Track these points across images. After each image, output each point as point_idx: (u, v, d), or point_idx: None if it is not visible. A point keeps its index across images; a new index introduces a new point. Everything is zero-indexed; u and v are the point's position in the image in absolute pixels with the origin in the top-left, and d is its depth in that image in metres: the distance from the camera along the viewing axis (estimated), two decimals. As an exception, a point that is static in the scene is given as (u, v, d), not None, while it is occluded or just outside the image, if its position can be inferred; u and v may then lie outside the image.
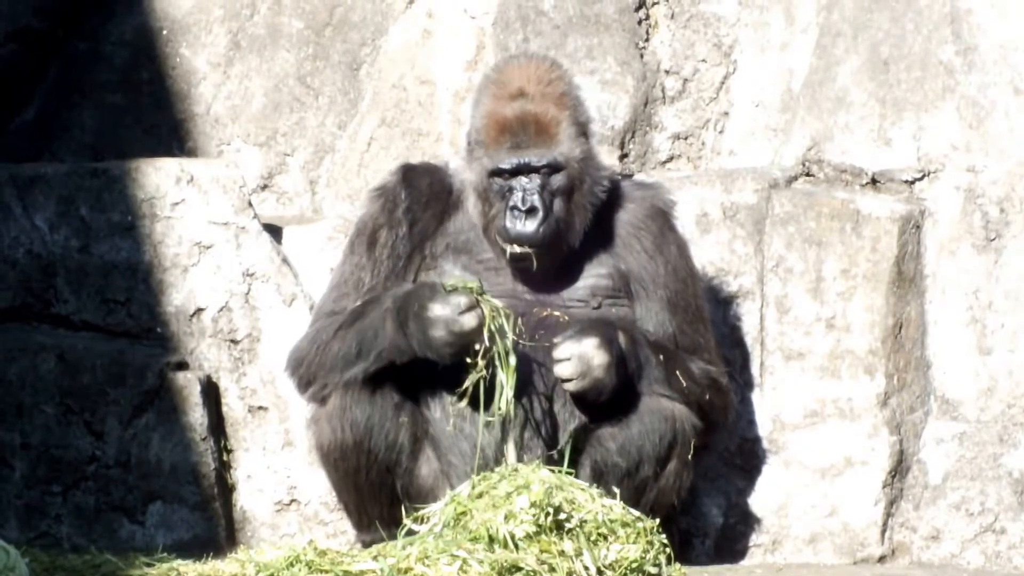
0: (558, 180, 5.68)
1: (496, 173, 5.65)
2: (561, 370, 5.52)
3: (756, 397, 6.25)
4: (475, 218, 5.73)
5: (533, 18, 6.78)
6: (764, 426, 6.24)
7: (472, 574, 5.08)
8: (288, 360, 5.80)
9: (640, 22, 6.86)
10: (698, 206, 6.32)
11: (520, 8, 6.78)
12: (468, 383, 5.48)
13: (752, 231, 6.30)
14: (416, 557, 5.11)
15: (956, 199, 6.28)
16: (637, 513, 5.39)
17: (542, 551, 5.19)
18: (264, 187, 6.99)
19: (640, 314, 5.76)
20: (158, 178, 6.37)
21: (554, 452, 5.61)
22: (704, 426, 5.75)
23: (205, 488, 6.21)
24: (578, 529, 5.26)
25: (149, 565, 5.42)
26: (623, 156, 6.77)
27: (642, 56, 6.84)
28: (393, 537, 5.40)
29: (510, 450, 5.61)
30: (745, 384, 6.26)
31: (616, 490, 5.51)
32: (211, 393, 6.27)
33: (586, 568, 5.20)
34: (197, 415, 6.21)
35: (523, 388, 5.59)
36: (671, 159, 6.86)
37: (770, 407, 6.24)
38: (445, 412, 5.62)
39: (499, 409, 5.47)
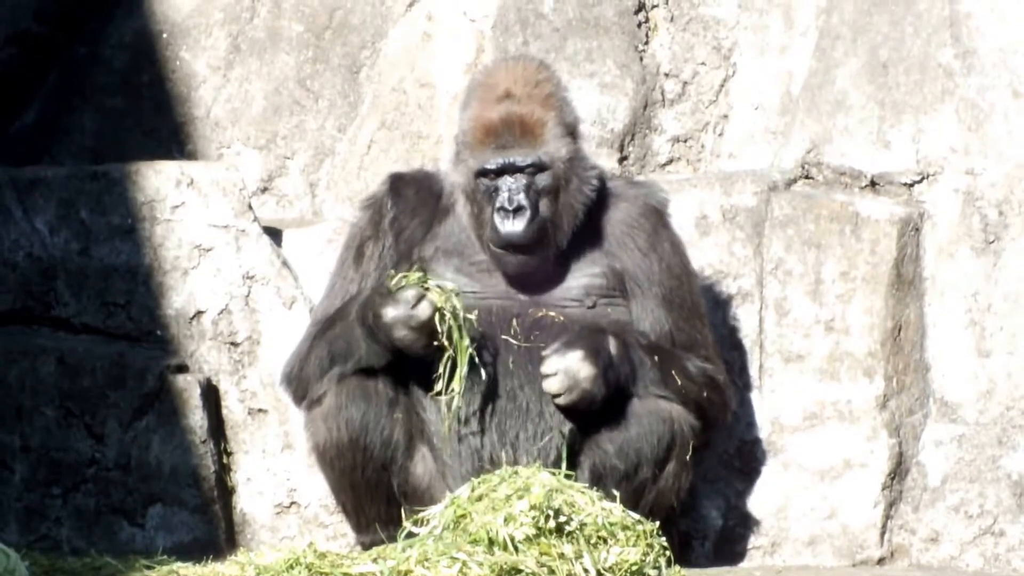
0: (543, 180, 5.70)
1: (482, 174, 5.68)
2: (548, 385, 5.56)
3: (755, 399, 6.26)
4: (465, 221, 5.76)
5: (533, 21, 6.78)
6: (763, 428, 6.24)
7: (472, 576, 5.10)
8: (281, 374, 5.88)
9: (639, 25, 6.86)
10: (697, 209, 6.32)
11: (520, 11, 6.78)
12: (441, 368, 5.52)
13: (751, 233, 6.30)
14: (416, 559, 5.12)
15: (955, 202, 6.28)
16: (637, 516, 5.39)
17: (542, 554, 5.19)
18: (264, 190, 6.99)
19: (636, 312, 5.77)
20: (158, 181, 6.37)
21: (550, 453, 5.62)
22: (703, 425, 5.76)
23: (205, 491, 6.21)
24: (578, 532, 5.26)
25: (149, 568, 5.42)
26: (622, 159, 6.78)
27: (641, 59, 6.85)
28: (392, 538, 5.41)
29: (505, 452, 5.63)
30: (744, 386, 6.26)
31: (615, 492, 5.52)
32: (211, 396, 6.28)
33: (586, 571, 5.21)
34: (197, 418, 6.22)
35: (519, 390, 5.61)
36: (670, 162, 6.86)
37: (769, 409, 6.24)
38: (440, 413, 5.64)
39: (454, 389, 5.50)
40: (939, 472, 6.18)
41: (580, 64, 6.75)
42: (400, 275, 5.58)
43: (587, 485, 5.47)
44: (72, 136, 7.01)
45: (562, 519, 5.26)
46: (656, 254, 5.82)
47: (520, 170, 5.68)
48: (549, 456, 5.62)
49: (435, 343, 5.52)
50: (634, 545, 5.31)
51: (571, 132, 5.75)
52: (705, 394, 5.75)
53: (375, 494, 5.71)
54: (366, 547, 5.61)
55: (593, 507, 5.32)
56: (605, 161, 6.66)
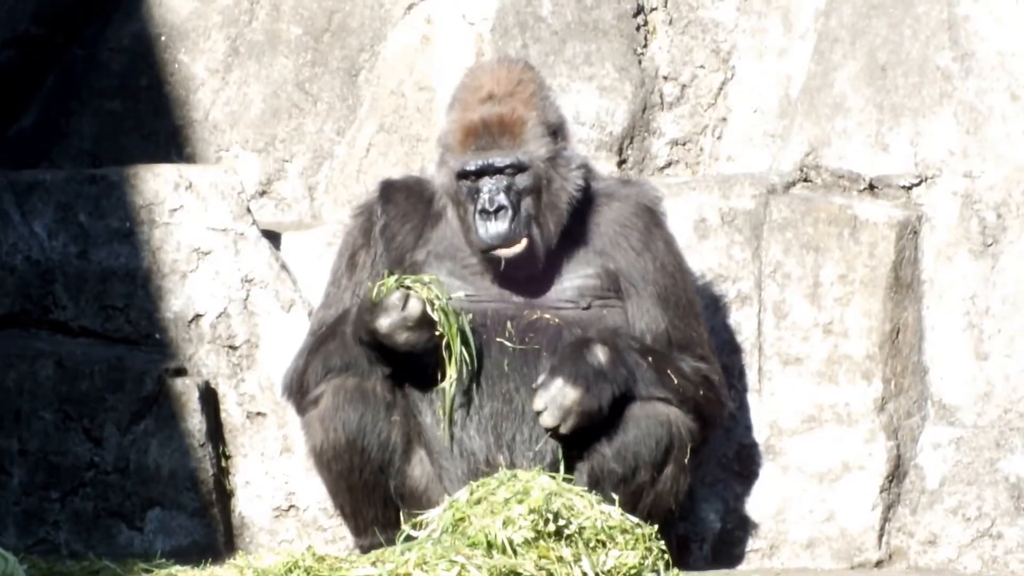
0: (524, 180, 5.70)
1: (463, 175, 5.69)
2: (543, 422, 5.58)
3: (754, 402, 6.26)
4: (454, 222, 5.76)
5: (531, 24, 6.78)
6: (762, 431, 6.24)
7: (470, 580, 5.10)
8: (281, 385, 5.90)
9: (638, 28, 6.86)
10: (696, 212, 6.32)
11: (518, 14, 6.78)
12: (444, 354, 5.54)
13: (750, 236, 6.30)
14: (415, 563, 5.11)
15: (953, 205, 6.28)
16: (636, 519, 5.39)
17: (541, 557, 5.20)
18: (263, 193, 6.99)
19: (631, 312, 5.77)
20: (156, 184, 6.37)
21: (546, 456, 5.62)
22: (700, 425, 5.75)
23: (203, 494, 6.21)
24: (577, 535, 5.27)
25: (148, 571, 5.43)
26: (621, 162, 6.78)
27: (640, 62, 6.85)
28: (390, 541, 5.42)
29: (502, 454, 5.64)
30: (743, 389, 6.26)
31: (614, 496, 5.52)
32: (209, 399, 6.28)
33: (584, 574, 5.21)
34: (195, 421, 6.22)
35: (514, 392, 5.62)
36: (669, 165, 6.86)
37: (768, 412, 6.24)
38: (436, 416, 5.64)
39: (451, 375, 5.52)
40: (937, 475, 6.19)
41: (579, 67, 6.75)
42: (376, 285, 5.59)
43: (585, 488, 5.47)
44: (70, 139, 7.01)
45: (561, 522, 5.26)
46: (650, 253, 5.82)
47: (500, 171, 5.68)
48: (545, 459, 5.62)
49: (437, 333, 5.54)
50: (633, 548, 5.31)
51: (554, 132, 5.75)
52: (701, 392, 5.75)
53: (372, 497, 5.71)
54: (365, 550, 5.62)
55: (592, 511, 5.32)
56: (604, 164, 6.67)
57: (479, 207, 5.66)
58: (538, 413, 5.58)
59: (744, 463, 6.24)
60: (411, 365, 5.63)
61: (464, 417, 5.62)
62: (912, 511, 6.17)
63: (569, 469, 5.61)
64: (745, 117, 6.85)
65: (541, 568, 5.17)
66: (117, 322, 6.32)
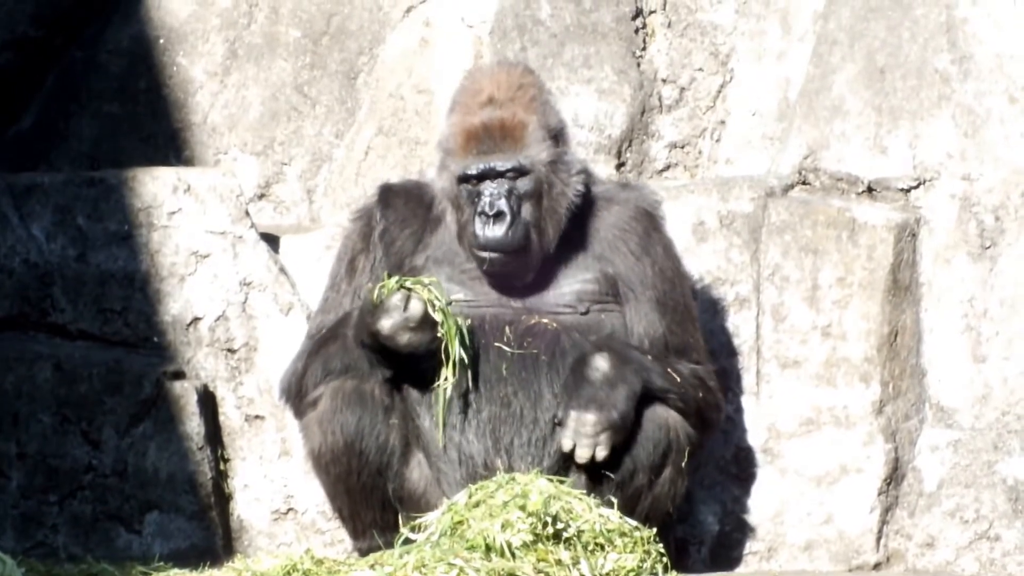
0: (525, 184, 5.69)
1: (463, 179, 5.68)
2: (580, 457, 5.56)
3: (752, 405, 6.26)
4: (453, 227, 5.76)
5: (530, 27, 6.78)
6: (760, 434, 6.24)
7: (469, 583, 5.10)
8: (279, 389, 5.90)
9: (637, 31, 6.86)
10: (695, 215, 6.33)
11: (517, 17, 6.78)
12: (443, 356, 5.54)
13: (748, 239, 6.31)
14: (413, 566, 5.12)
15: (951, 207, 6.28)
16: (634, 522, 5.39)
17: (539, 560, 5.20)
18: (261, 196, 6.99)
19: (629, 317, 5.77)
20: (155, 187, 6.37)
21: (543, 460, 5.62)
22: (697, 428, 5.75)
23: (202, 497, 6.21)
24: (575, 538, 5.27)
25: (146, 574, 5.44)
26: (620, 165, 6.78)
27: (639, 65, 6.85)
28: (389, 544, 5.42)
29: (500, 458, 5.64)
30: (741, 392, 6.26)
31: (612, 499, 5.52)
32: (208, 402, 6.28)
33: (583, 577, 5.22)
34: (194, 424, 6.22)
35: (512, 396, 5.62)
36: (668, 168, 6.86)
37: (766, 415, 6.25)
38: (434, 420, 5.64)
39: (453, 374, 5.52)
40: (935, 477, 6.19)
41: (578, 70, 6.75)
42: (377, 287, 5.59)
43: (584, 492, 5.47)
44: (69, 142, 7.01)
45: (560, 525, 5.26)
46: (649, 257, 5.81)
47: (501, 174, 5.68)
48: (543, 462, 5.62)
49: (439, 335, 5.54)
50: (631, 551, 5.32)
51: (554, 136, 5.75)
52: (700, 394, 5.75)
53: (371, 499, 5.71)
54: (363, 553, 5.62)
55: (591, 514, 5.32)
56: (603, 167, 6.67)
57: (478, 210, 5.66)
58: (570, 453, 5.56)
59: (742, 466, 6.25)
60: (411, 368, 5.63)
61: (462, 421, 5.63)
62: (910, 513, 6.18)
63: (566, 471, 5.61)
64: (744, 120, 6.86)
65: (540, 571, 5.17)
66: (115, 325, 6.32)
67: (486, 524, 5.22)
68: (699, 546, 6.24)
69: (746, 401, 6.26)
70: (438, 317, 5.53)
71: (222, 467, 6.30)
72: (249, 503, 6.32)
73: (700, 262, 6.28)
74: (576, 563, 5.22)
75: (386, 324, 5.54)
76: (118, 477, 6.19)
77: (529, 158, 5.68)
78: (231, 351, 6.34)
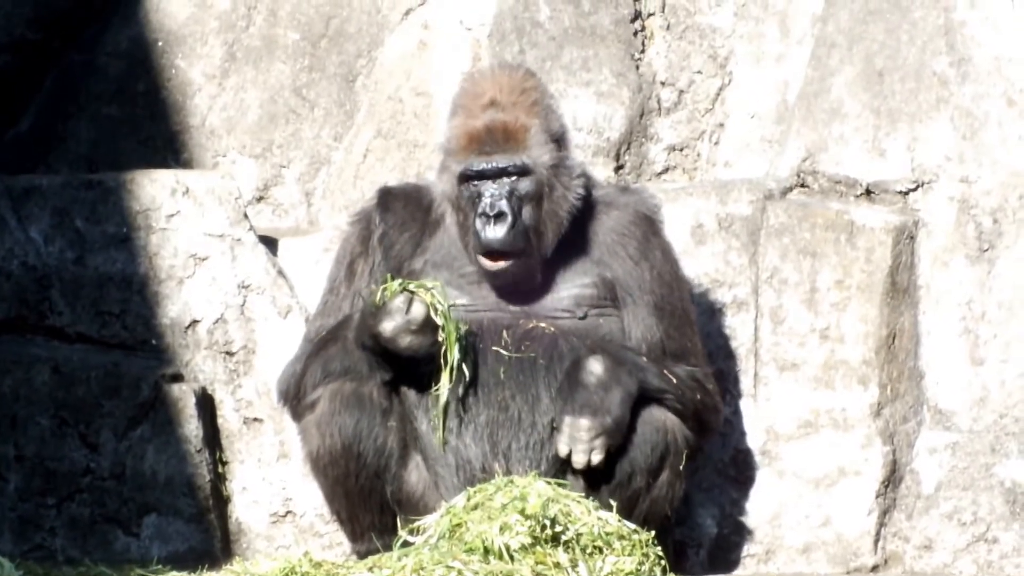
0: (526, 186, 5.69)
1: (465, 179, 5.68)
2: (577, 463, 5.56)
3: (750, 408, 6.26)
4: (453, 231, 5.76)
5: (529, 29, 6.78)
6: (758, 437, 6.24)
7: (467, 586, 5.10)
8: (277, 392, 5.89)
9: (636, 33, 6.86)
10: (693, 217, 6.33)
11: (516, 19, 6.78)
12: (442, 360, 5.54)
13: (747, 242, 6.31)
14: (411, 569, 5.12)
15: (950, 210, 6.29)
16: (633, 525, 5.39)
17: (538, 563, 5.20)
18: (260, 199, 6.99)
19: (627, 321, 5.77)
20: (153, 190, 6.37)
21: (541, 463, 5.63)
22: (695, 431, 5.75)
23: (200, 500, 6.21)
24: (574, 541, 5.27)
25: (144, 577, 5.45)
26: (619, 168, 6.78)
27: (638, 67, 6.85)
28: (387, 546, 5.42)
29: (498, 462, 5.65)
30: (739, 395, 6.27)
31: (611, 502, 5.52)
32: (206, 405, 6.28)
33: (581, 580, 5.22)
34: (192, 427, 6.22)
35: (510, 400, 5.62)
36: (667, 170, 6.87)
37: (764, 418, 6.25)
38: (432, 423, 5.65)
39: (449, 381, 5.53)
40: (933, 480, 6.19)
41: (576, 73, 6.76)
42: (380, 290, 5.59)
43: (582, 495, 5.47)
44: (67, 144, 7.01)
45: (558, 528, 5.26)
46: (648, 262, 5.81)
47: (502, 174, 5.67)
48: (541, 466, 5.63)
49: (440, 338, 5.54)
50: (630, 554, 5.32)
51: (556, 139, 5.75)
52: (698, 397, 5.76)
53: (369, 502, 5.71)
54: (361, 556, 5.62)
55: (589, 516, 5.32)
56: (601, 170, 6.67)
57: (479, 211, 5.65)
58: (567, 459, 5.57)
59: (740, 468, 6.25)
60: (410, 371, 5.63)
61: (460, 425, 5.63)
62: (908, 516, 6.18)
63: (564, 475, 5.61)
64: (742, 123, 6.86)
65: (538, 574, 5.18)
66: (113, 328, 6.32)
67: (484, 527, 5.22)
68: (697, 549, 6.24)
69: (744, 404, 6.27)
70: (440, 321, 5.52)
71: (220, 470, 6.30)
72: (247, 506, 6.32)
73: (698, 264, 6.28)
74: (575, 566, 5.22)
75: (388, 326, 5.54)
76: (116, 480, 6.19)
77: (531, 159, 5.68)
78: (229, 354, 6.34)
